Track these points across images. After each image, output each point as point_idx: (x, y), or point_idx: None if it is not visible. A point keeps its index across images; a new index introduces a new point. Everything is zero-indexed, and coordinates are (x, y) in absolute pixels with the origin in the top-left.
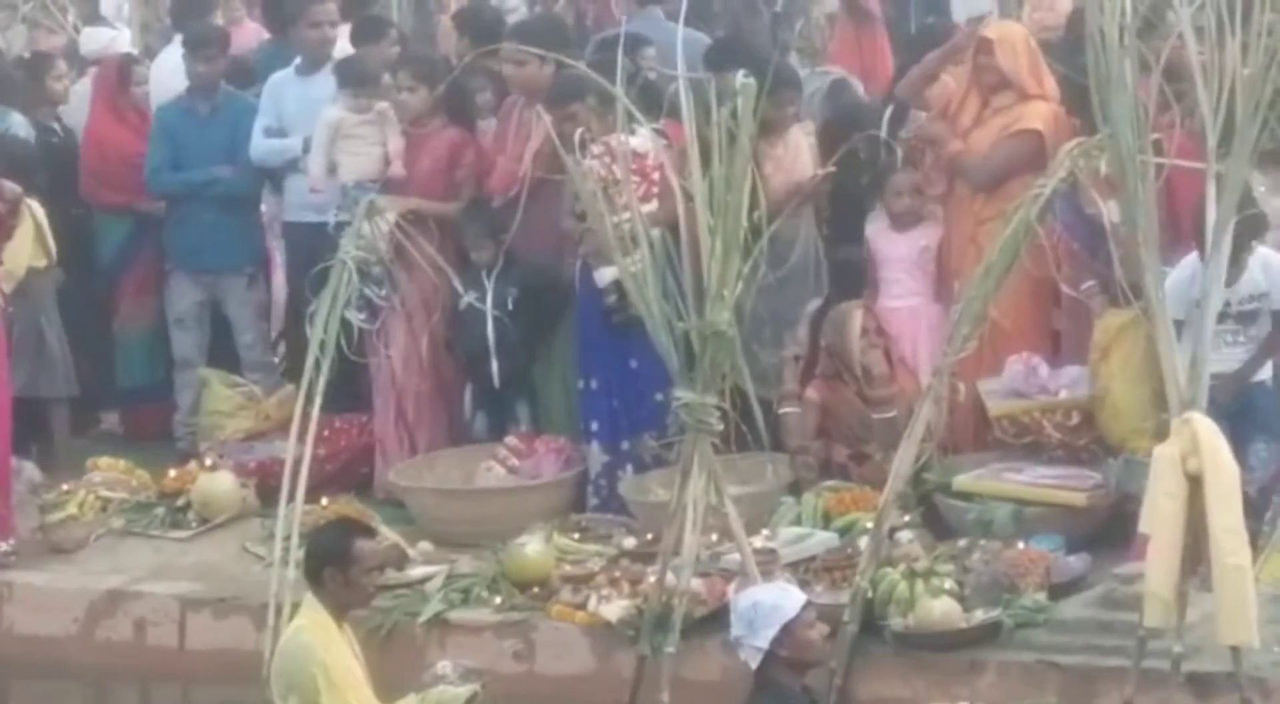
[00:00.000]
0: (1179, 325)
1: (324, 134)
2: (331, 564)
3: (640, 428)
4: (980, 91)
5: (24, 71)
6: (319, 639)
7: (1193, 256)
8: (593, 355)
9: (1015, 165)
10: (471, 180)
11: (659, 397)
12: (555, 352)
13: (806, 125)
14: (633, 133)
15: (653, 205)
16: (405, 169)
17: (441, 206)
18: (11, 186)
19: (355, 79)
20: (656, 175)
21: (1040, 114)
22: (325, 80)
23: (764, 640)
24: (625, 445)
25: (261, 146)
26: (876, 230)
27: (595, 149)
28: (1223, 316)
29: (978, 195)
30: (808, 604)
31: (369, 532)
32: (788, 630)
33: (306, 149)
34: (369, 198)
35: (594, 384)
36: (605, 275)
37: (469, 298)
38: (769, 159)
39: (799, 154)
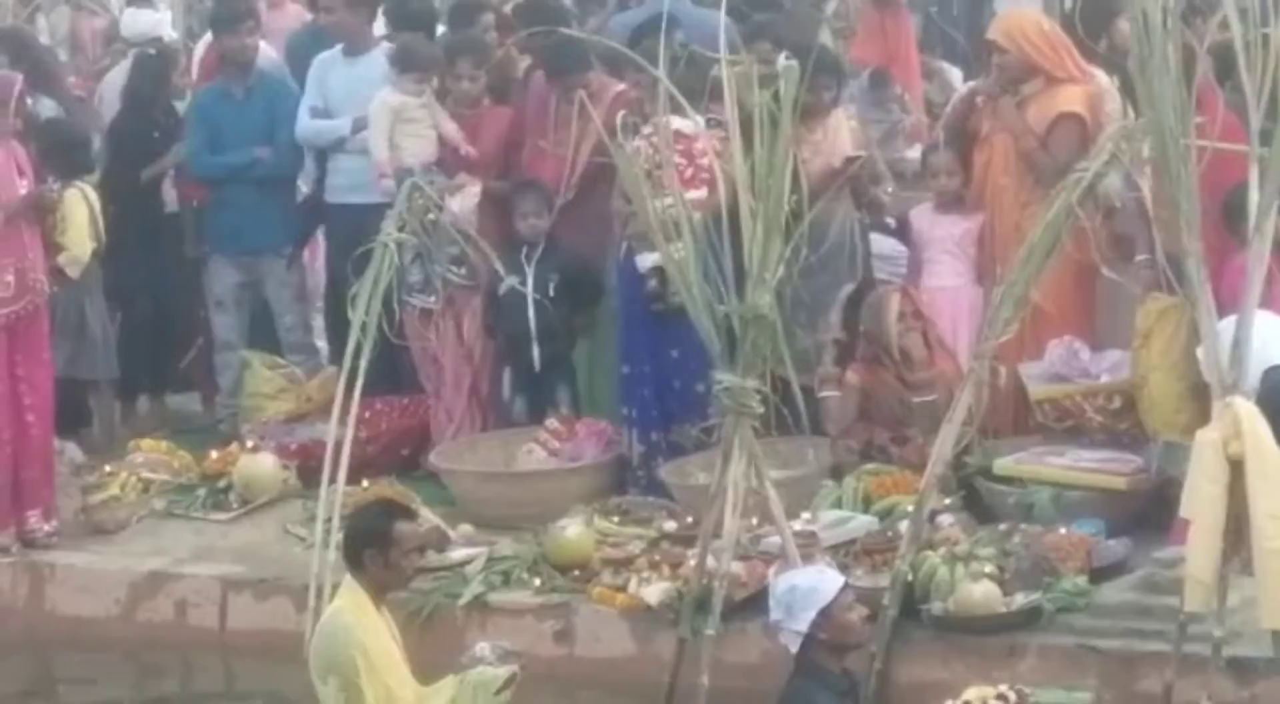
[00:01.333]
0: None
1: (386, 118)
2: (372, 546)
3: (681, 417)
4: (1008, 87)
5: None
6: (358, 620)
7: None
8: (634, 341)
9: (1073, 153)
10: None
11: (700, 387)
12: (596, 335)
13: (848, 108)
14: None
15: (701, 192)
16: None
17: (502, 186)
18: (49, 192)
19: (416, 64)
20: (706, 160)
21: (1074, 97)
22: (371, 62)
23: (803, 624)
24: (656, 436)
25: (308, 127)
26: (919, 211)
27: (645, 129)
28: None
29: (1022, 184)
30: (845, 586)
31: (409, 514)
32: (826, 614)
33: (355, 130)
34: (412, 179)
35: (634, 371)
36: (646, 261)
37: (511, 281)
38: (807, 144)
39: (838, 139)
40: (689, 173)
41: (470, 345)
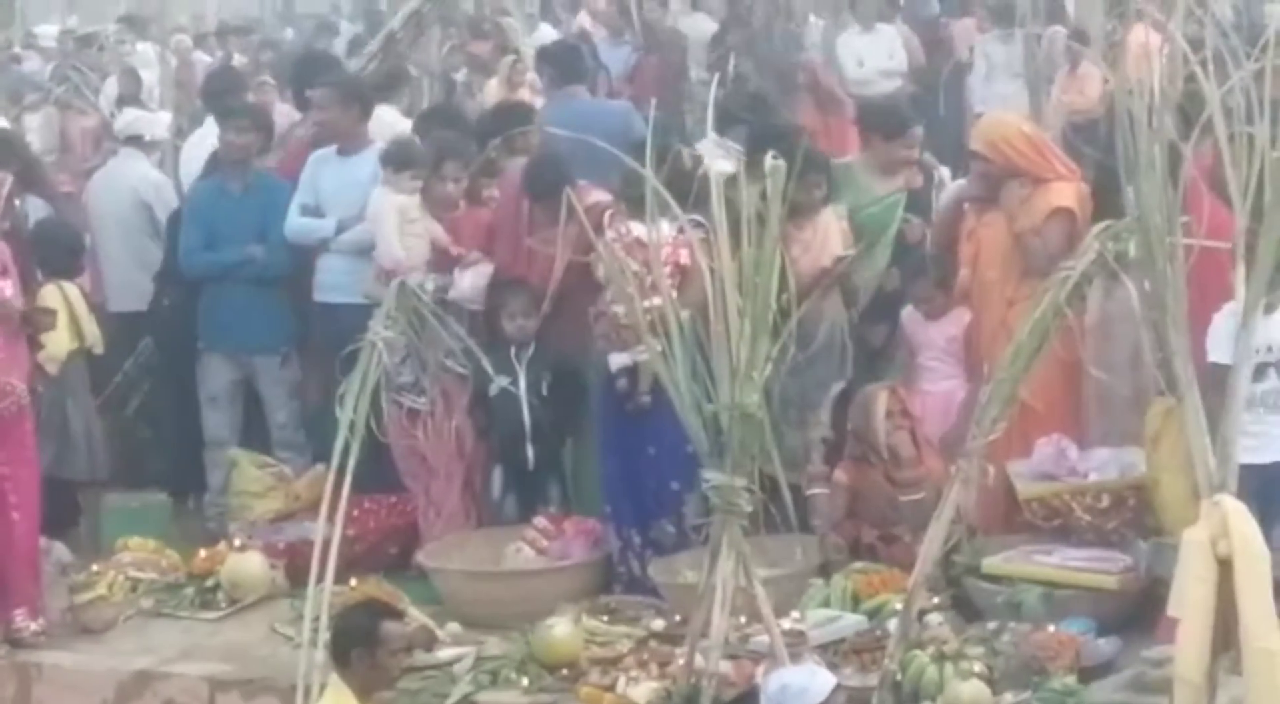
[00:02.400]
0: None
1: (394, 217)
2: (358, 645)
3: (657, 515)
4: (990, 192)
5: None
6: None
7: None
8: (609, 440)
9: (1066, 246)
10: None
11: (675, 485)
12: (582, 434)
13: (839, 209)
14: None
15: (656, 301)
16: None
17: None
18: (46, 315)
19: (411, 162)
20: (667, 269)
21: (1066, 193)
22: (364, 161)
23: None
24: (632, 533)
25: (296, 225)
26: (910, 315)
27: (608, 234)
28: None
29: (1008, 278)
30: (837, 687)
31: (395, 613)
32: None
33: (340, 230)
34: (398, 280)
35: (609, 468)
36: (616, 361)
37: (502, 382)
38: (796, 242)
39: (828, 238)
40: (648, 281)
41: (463, 442)
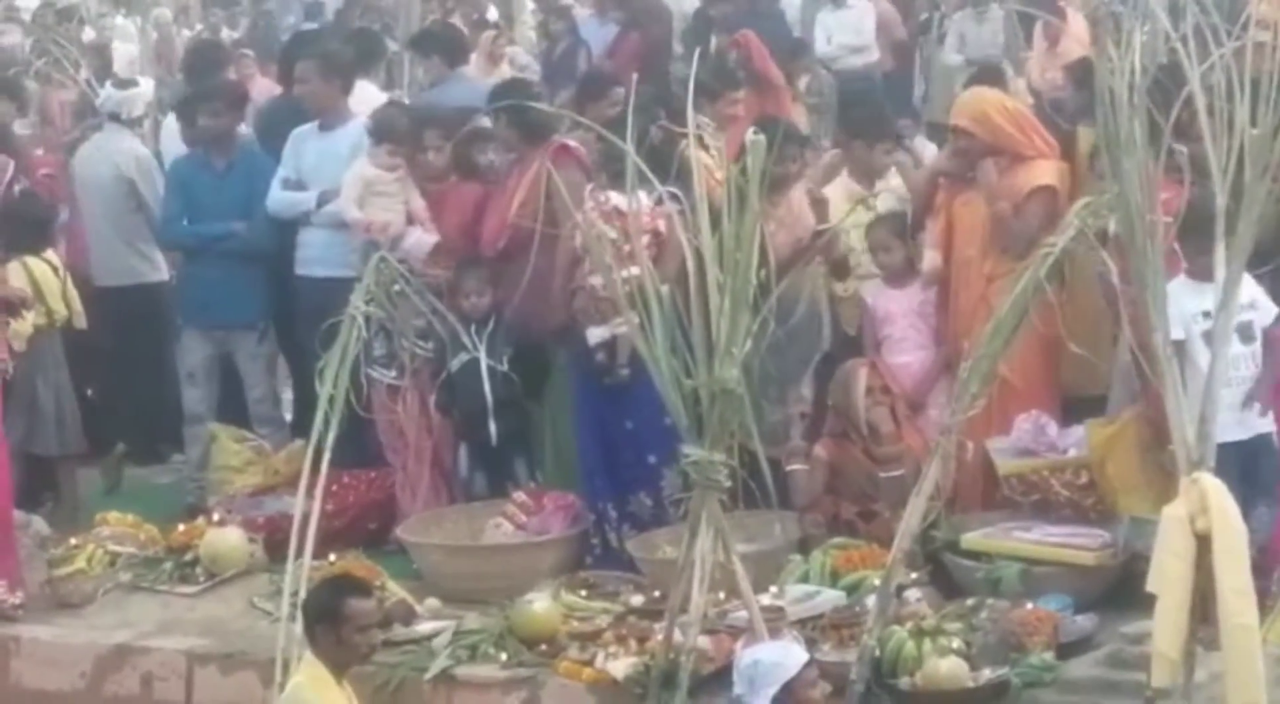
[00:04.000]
0: (1177, 345)
1: (356, 188)
2: (323, 622)
3: (634, 489)
4: (970, 168)
5: None
6: (318, 695)
7: (1180, 277)
8: (587, 414)
9: (1044, 224)
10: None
11: (652, 459)
12: (548, 408)
13: (808, 182)
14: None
15: (634, 269)
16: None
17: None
18: (19, 293)
19: (389, 135)
20: (645, 238)
21: (1047, 171)
22: (344, 135)
23: (764, 699)
24: (608, 507)
25: (277, 198)
26: (873, 289)
27: (587, 205)
28: None
29: (987, 254)
30: (810, 662)
31: (364, 590)
32: (788, 689)
33: (322, 203)
34: (378, 254)
35: (586, 442)
36: (594, 335)
37: (466, 355)
38: (770, 218)
39: (802, 212)
40: (625, 249)
41: (431, 419)
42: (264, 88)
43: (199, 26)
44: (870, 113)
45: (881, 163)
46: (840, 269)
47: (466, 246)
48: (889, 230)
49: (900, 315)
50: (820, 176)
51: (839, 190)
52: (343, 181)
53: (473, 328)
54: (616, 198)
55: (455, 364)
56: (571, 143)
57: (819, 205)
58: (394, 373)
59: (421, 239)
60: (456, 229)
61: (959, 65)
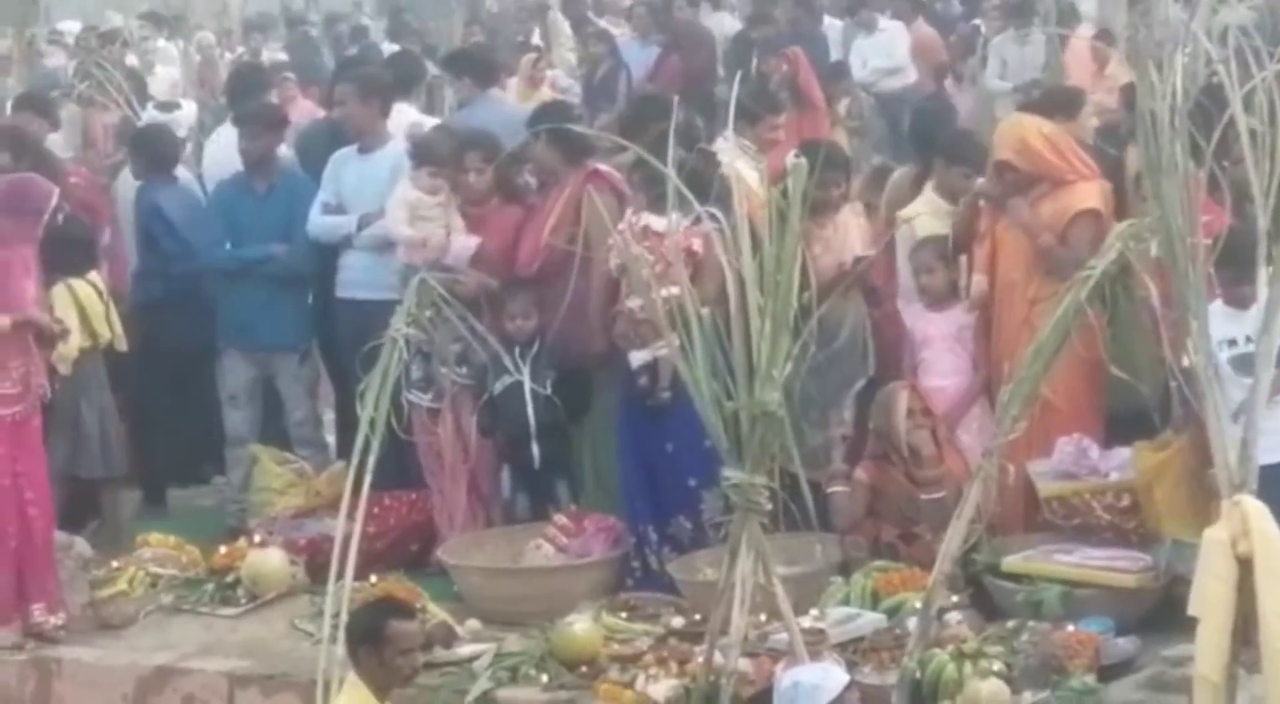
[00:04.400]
0: None
1: (403, 211)
2: (366, 644)
3: (674, 511)
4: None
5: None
6: None
7: (1215, 303)
8: (628, 437)
9: (1091, 247)
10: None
11: (691, 482)
12: (590, 431)
13: (856, 206)
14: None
15: (673, 290)
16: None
17: (487, 283)
18: (54, 326)
19: (430, 158)
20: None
21: (1090, 194)
22: (383, 158)
23: None
24: (648, 529)
25: (318, 223)
26: (911, 312)
27: (620, 225)
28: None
29: (1030, 278)
30: (850, 684)
31: (407, 612)
32: None
33: (362, 226)
34: (419, 276)
35: (627, 464)
36: (636, 358)
37: (510, 378)
38: (817, 240)
39: (848, 235)
40: (659, 269)
41: (469, 444)
42: (305, 110)
43: (240, 49)
44: (955, 136)
45: (961, 185)
46: (873, 296)
47: (506, 269)
48: (932, 253)
49: (939, 339)
50: (891, 194)
51: (926, 205)
52: (387, 205)
53: (517, 350)
54: (649, 218)
55: (499, 386)
56: (605, 168)
57: (867, 228)
58: (430, 396)
59: (465, 243)
60: (498, 251)
61: (1001, 90)
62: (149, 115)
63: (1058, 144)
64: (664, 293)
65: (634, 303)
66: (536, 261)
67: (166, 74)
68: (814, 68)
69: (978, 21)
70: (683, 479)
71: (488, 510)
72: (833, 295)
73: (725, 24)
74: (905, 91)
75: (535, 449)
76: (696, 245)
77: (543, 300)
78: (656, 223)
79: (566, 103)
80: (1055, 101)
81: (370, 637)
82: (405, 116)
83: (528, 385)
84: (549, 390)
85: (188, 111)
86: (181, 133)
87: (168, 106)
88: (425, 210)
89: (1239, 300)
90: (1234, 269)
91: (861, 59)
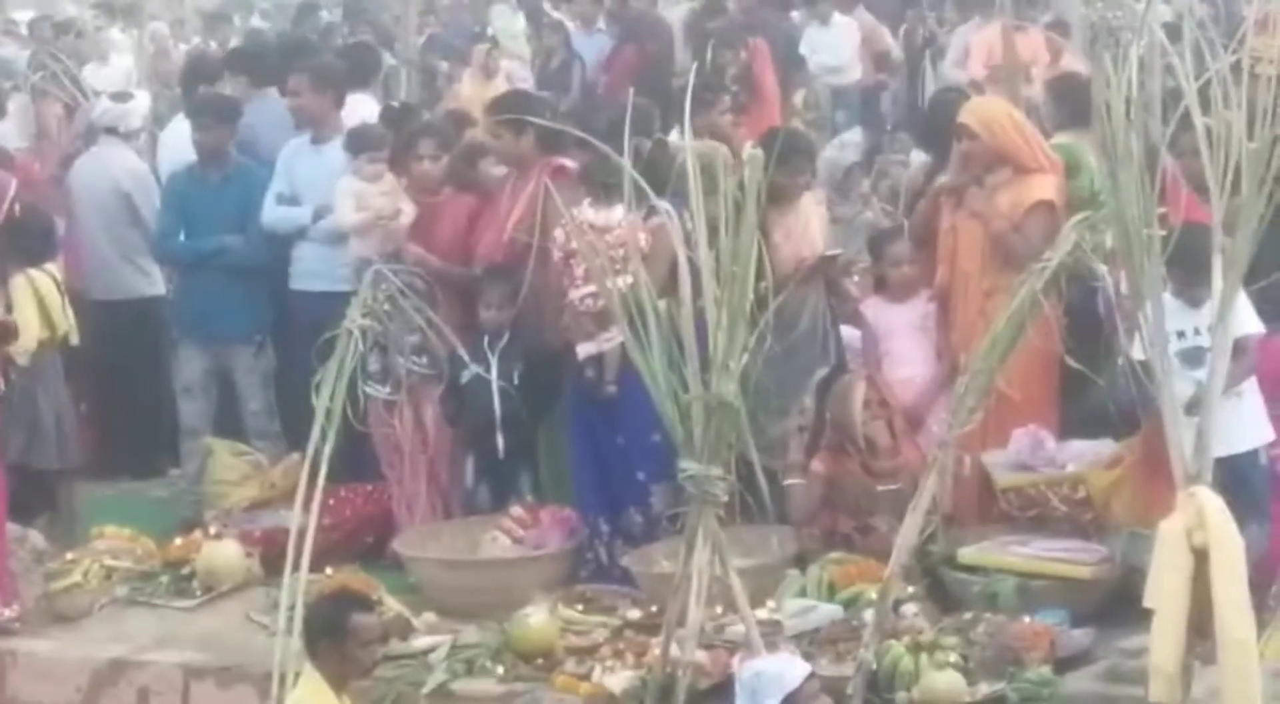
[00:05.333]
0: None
1: (349, 204)
2: (327, 637)
3: (625, 504)
4: (973, 178)
5: None
6: None
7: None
8: (579, 429)
9: (1048, 239)
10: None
11: (640, 475)
12: (555, 423)
13: (818, 194)
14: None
15: (627, 279)
16: (423, 239)
17: (465, 271)
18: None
19: (364, 145)
20: (620, 252)
21: (1046, 186)
22: (337, 148)
23: None
24: (599, 522)
25: (272, 214)
26: (871, 304)
27: (563, 219)
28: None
29: (985, 269)
30: (811, 675)
31: (367, 605)
32: (790, 701)
33: (317, 217)
34: (374, 268)
35: (579, 457)
36: (582, 351)
37: (475, 369)
38: (779, 227)
39: (809, 224)
40: (598, 263)
41: (428, 434)
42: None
43: (196, 40)
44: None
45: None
46: (835, 289)
47: (457, 259)
48: (906, 247)
49: (901, 330)
50: (908, 185)
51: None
52: (334, 199)
53: (486, 340)
54: (590, 213)
55: (465, 376)
56: (568, 162)
57: (825, 219)
58: (388, 389)
59: (405, 212)
60: (449, 241)
61: (960, 79)
62: (103, 106)
63: (1024, 129)
64: (618, 284)
65: (578, 294)
66: (500, 253)
67: (121, 64)
68: (775, 59)
69: (927, 12)
70: (632, 472)
71: (446, 501)
72: (790, 285)
73: (682, 14)
74: (847, 88)
75: (500, 440)
76: (644, 241)
77: (516, 292)
78: (595, 216)
79: (531, 93)
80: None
81: (332, 630)
82: (363, 108)
83: (494, 376)
84: (516, 382)
85: (141, 102)
86: (136, 124)
87: (121, 97)
88: (369, 200)
89: (1192, 298)
90: (1187, 267)
91: (811, 49)
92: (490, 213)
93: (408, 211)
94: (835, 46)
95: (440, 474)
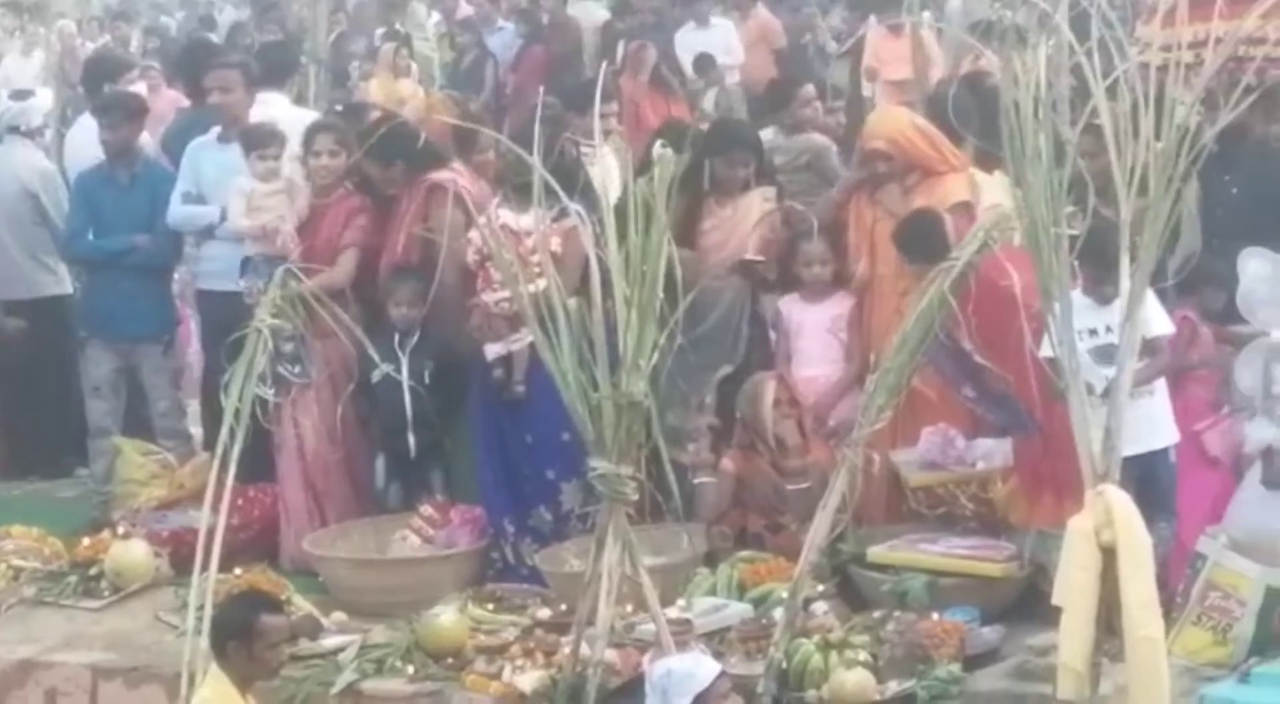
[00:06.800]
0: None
1: (239, 205)
2: (235, 638)
3: (533, 503)
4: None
5: None
6: None
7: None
8: (485, 429)
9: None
10: (357, 242)
11: (550, 474)
12: (466, 422)
13: (767, 191)
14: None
15: (539, 283)
16: (301, 241)
17: (329, 276)
18: None
19: (254, 142)
20: (536, 257)
21: (960, 187)
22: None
23: None
24: (509, 523)
25: (179, 212)
26: (787, 301)
27: (480, 220)
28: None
29: (902, 271)
30: (722, 674)
31: (275, 605)
32: (701, 700)
33: (224, 216)
34: (283, 267)
35: (486, 457)
36: (491, 351)
37: (386, 369)
38: (712, 216)
39: (746, 218)
40: (516, 267)
41: (304, 441)
42: (170, 99)
43: (105, 38)
44: (988, 114)
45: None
46: (764, 285)
47: (327, 262)
48: (828, 244)
49: (813, 329)
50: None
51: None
52: (228, 196)
53: (397, 338)
54: (506, 216)
55: (376, 375)
56: (442, 177)
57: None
58: (297, 368)
59: (283, 230)
60: (324, 241)
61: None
62: (4, 105)
63: (930, 135)
64: (530, 288)
65: (489, 297)
66: (396, 258)
67: (28, 63)
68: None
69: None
70: (541, 471)
71: (322, 508)
72: (700, 281)
73: (592, 13)
74: (745, 85)
75: (411, 439)
76: (556, 245)
77: (426, 290)
78: (513, 220)
79: (397, 123)
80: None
81: (240, 631)
82: (277, 107)
83: (405, 375)
84: (428, 381)
85: (42, 100)
86: (36, 121)
87: (22, 95)
88: (260, 200)
89: (1101, 296)
90: (1097, 266)
91: (685, 50)
92: (388, 233)
93: (289, 223)
94: (726, 46)
95: (317, 481)
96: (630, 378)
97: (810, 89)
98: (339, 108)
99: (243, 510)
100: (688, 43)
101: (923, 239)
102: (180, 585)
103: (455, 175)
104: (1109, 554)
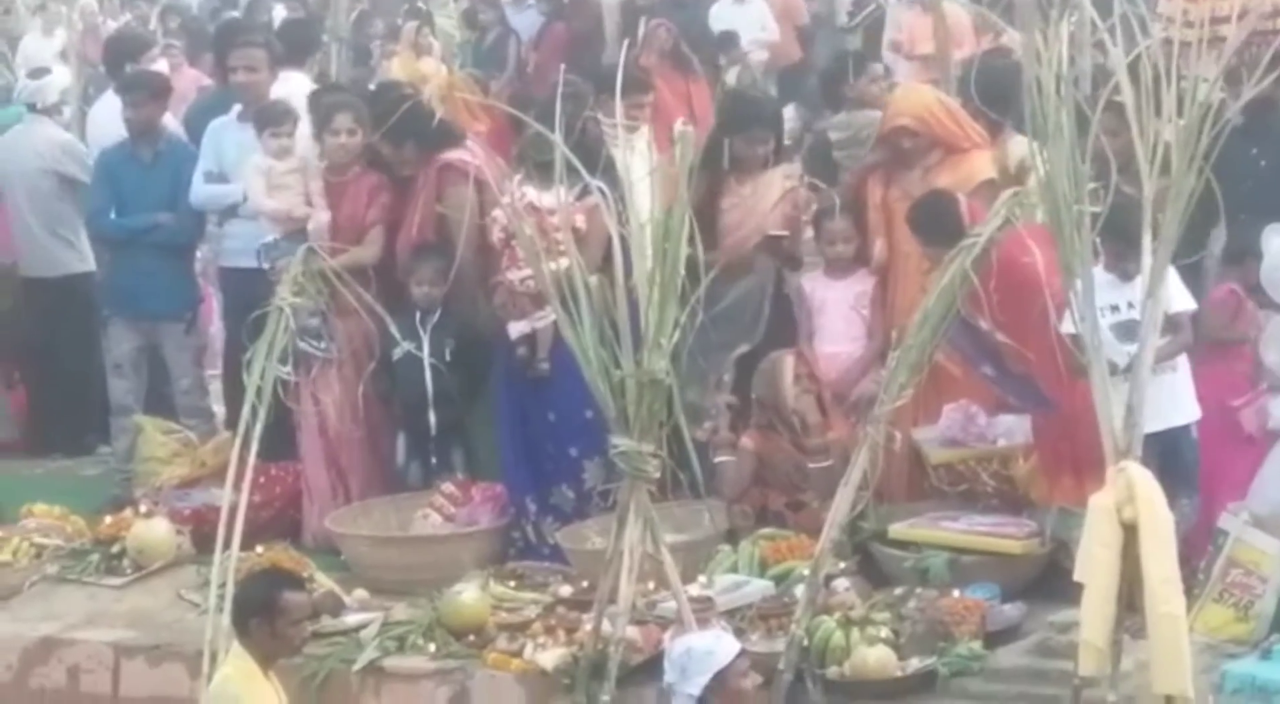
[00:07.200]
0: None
1: (259, 184)
2: (258, 615)
3: (556, 481)
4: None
5: None
6: (245, 688)
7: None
8: (508, 407)
9: None
10: (383, 219)
11: (573, 452)
12: (488, 400)
13: (789, 169)
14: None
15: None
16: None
17: (357, 253)
18: None
19: (266, 120)
20: (560, 235)
21: (986, 164)
22: None
23: (696, 688)
24: (531, 500)
25: (201, 191)
26: (811, 278)
27: (504, 199)
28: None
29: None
30: (741, 652)
31: (297, 582)
32: (720, 678)
33: (247, 196)
34: (305, 245)
35: (509, 435)
36: (515, 329)
37: (407, 346)
38: (731, 194)
39: (766, 196)
40: (541, 246)
41: (326, 419)
42: (191, 78)
43: (126, 16)
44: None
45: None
46: (795, 264)
47: (353, 240)
48: (852, 222)
49: (835, 305)
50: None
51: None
52: (246, 174)
53: (418, 316)
54: (531, 194)
55: (397, 353)
56: (456, 157)
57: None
58: (322, 343)
59: (319, 218)
60: (348, 218)
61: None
62: (22, 83)
63: (954, 112)
64: (552, 266)
65: (513, 275)
66: (429, 234)
67: (49, 41)
68: (700, 37)
69: None
70: (564, 449)
71: (346, 485)
72: (721, 259)
73: None
74: (770, 62)
75: (432, 417)
76: (580, 222)
77: (448, 269)
78: (536, 197)
79: (414, 99)
80: None
81: (262, 608)
82: (300, 85)
83: (427, 352)
84: (449, 359)
85: (58, 77)
86: (52, 98)
87: (37, 73)
88: (278, 178)
89: (1123, 272)
90: (1119, 242)
91: (724, 26)
92: (405, 211)
93: (321, 218)
94: (762, 22)
95: (340, 458)
96: (652, 356)
97: (879, 67)
98: (371, 88)
99: (264, 488)
100: (724, 18)
101: (937, 221)
102: (202, 563)
103: (468, 154)
104: (1130, 531)
